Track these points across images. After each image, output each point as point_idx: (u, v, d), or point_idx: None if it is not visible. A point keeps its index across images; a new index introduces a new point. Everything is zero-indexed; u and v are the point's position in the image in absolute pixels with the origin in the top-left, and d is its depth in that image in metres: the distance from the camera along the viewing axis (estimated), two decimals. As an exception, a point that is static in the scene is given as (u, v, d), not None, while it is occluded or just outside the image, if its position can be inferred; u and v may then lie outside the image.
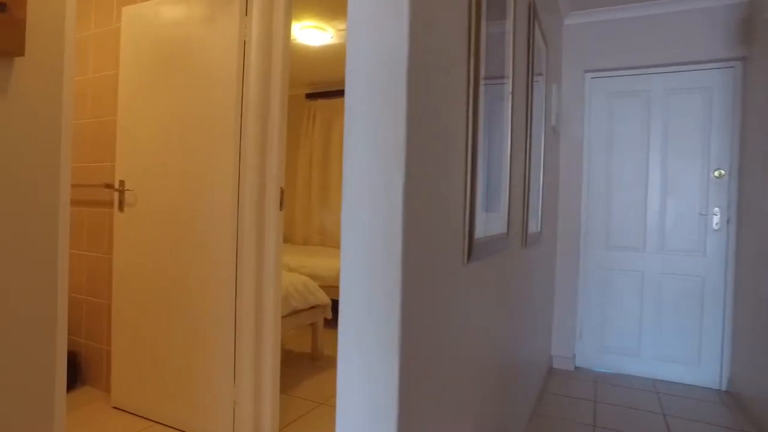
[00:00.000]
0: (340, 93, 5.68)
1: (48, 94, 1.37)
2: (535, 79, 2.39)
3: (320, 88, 5.87)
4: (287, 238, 6.08)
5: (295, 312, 3.19)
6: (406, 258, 0.97)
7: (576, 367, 3.62)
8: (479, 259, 1.46)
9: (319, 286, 4.39)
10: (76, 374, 2.91)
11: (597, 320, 3.58)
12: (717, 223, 3.22)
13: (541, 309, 3.06)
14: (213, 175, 2.25)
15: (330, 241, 5.70)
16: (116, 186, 2.55)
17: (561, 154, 3.66)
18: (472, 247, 1.35)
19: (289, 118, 6.11)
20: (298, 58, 4.84)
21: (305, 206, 5.88)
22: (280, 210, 2.29)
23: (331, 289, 4.36)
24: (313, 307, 3.39)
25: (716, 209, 3.23)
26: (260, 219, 2.26)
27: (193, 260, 2.30)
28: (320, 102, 5.80)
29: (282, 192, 2.30)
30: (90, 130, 2.88)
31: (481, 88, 1.42)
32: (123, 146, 2.56)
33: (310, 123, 5.87)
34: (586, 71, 3.59)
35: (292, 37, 3.90)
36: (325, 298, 3.48)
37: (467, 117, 1.33)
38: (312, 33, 4.13)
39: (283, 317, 2.98)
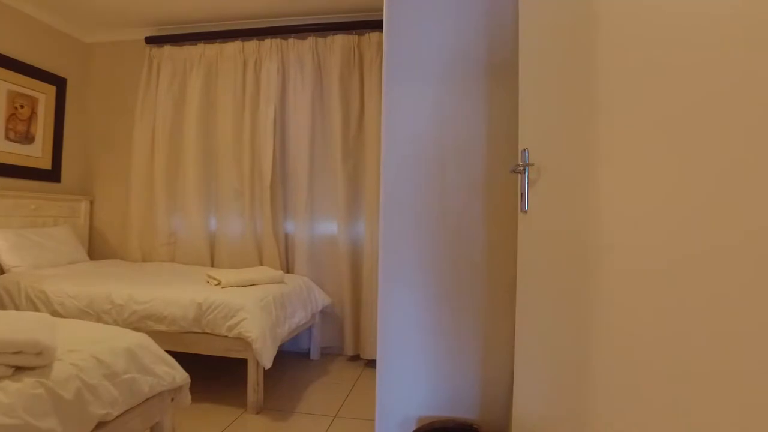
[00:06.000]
0: (204, 36, 3.86)
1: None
2: None
3: (169, 29, 3.99)
4: (117, 251, 4.07)
5: (105, 424, 1.43)
6: None
7: None
8: None
9: (164, 333, 2.60)
10: None
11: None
12: None
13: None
14: None
15: (185, 255, 3.84)
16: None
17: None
18: None
19: (116, 70, 4.12)
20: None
21: (145, 203, 3.94)
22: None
23: (185, 338, 2.60)
24: (156, 396, 1.65)
25: None
26: None
27: None
28: (168, 50, 3.92)
29: None
30: None
31: None
32: None
33: (152, 81, 3.95)
34: None
35: None
36: (178, 374, 1.75)
37: None
38: None
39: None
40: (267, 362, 2.49)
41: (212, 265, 3.83)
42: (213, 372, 3.10)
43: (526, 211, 1.24)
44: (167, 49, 3.92)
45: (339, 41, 3.63)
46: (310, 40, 3.68)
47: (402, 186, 1.86)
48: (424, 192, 1.84)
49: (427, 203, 1.84)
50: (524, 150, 1.24)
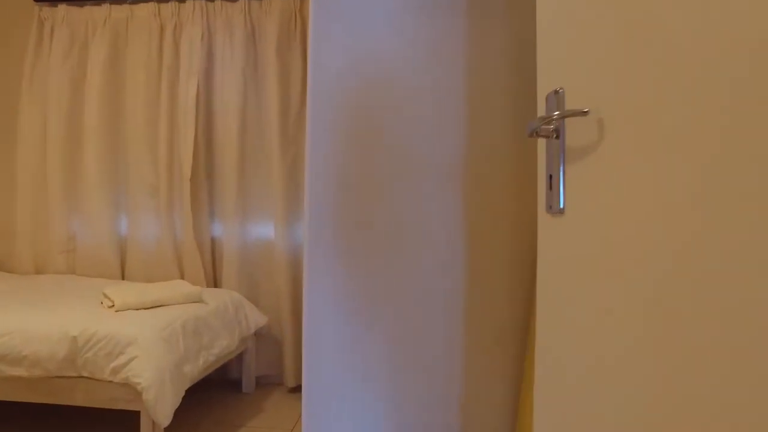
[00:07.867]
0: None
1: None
2: None
3: (64, -14, 3.24)
4: (2, 262, 3.29)
5: None
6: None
7: None
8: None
9: (23, 380, 1.90)
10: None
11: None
12: None
13: None
14: None
15: (89, 266, 3.11)
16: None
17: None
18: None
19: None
20: None
21: (37, 201, 3.18)
22: None
23: (54, 385, 1.91)
24: None
25: None
26: None
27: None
28: (65, 10, 3.17)
29: None
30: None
31: None
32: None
33: (42, 50, 3.18)
34: None
35: None
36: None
37: None
38: None
39: None
40: (164, 418, 1.82)
41: (123, 278, 3.12)
42: (100, 424, 2.40)
43: (561, 211, 0.64)
44: (63, 10, 3.16)
45: (277, 5, 2.99)
46: (242, 3, 3.02)
47: (336, 178, 1.25)
48: (368, 185, 1.24)
49: (374, 201, 1.24)
50: (557, 91, 0.63)
